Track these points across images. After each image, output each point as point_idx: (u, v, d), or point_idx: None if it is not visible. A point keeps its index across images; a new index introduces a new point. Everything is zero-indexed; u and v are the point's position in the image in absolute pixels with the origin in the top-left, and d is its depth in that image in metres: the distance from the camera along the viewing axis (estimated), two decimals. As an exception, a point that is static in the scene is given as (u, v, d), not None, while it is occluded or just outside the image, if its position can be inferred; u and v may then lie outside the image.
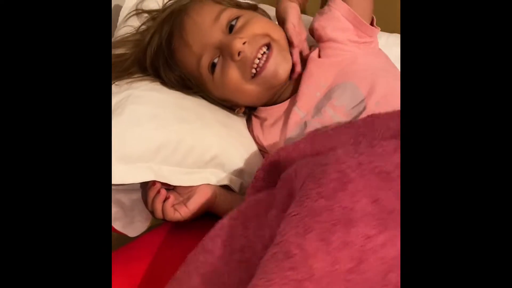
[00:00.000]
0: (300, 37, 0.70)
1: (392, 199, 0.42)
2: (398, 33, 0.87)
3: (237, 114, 0.75)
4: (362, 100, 0.65)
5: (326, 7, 0.72)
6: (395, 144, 0.46)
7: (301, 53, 0.72)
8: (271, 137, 0.72)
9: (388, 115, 0.58)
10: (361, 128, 0.57)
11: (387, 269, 0.40)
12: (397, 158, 0.44)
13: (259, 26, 0.67)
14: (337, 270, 0.39)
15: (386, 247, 0.40)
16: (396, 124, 0.54)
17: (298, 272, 0.40)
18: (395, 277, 0.40)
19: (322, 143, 0.58)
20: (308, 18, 0.81)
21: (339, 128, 0.60)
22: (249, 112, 0.76)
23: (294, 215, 0.43)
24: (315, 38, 0.73)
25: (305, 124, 0.68)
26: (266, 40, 0.66)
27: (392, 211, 0.41)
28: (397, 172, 0.43)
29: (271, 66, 0.66)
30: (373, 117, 0.59)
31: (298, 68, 0.70)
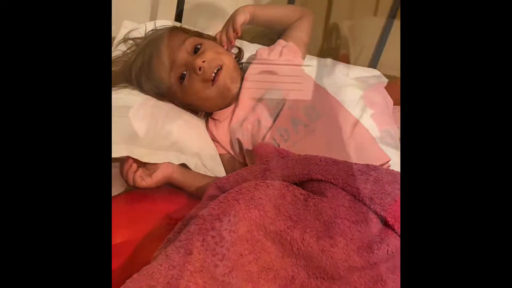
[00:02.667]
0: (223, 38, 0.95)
1: (261, 233, 0.58)
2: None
3: (199, 117, 0.97)
4: (282, 99, 0.89)
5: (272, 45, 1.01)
6: (279, 191, 0.62)
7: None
8: (221, 130, 0.94)
9: (291, 159, 0.70)
10: (270, 164, 0.71)
11: (248, 279, 0.56)
12: (274, 201, 0.60)
13: (215, 52, 0.91)
14: (216, 272, 0.55)
15: (251, 264, 0.56)
16: (291, 167, 0.68)
17: (194, 267, 0.54)
18: (252, 286, 0.55)
19: (244, 174, 0.71)
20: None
21: (258, 165, 0.72)
22: (207, 116, 0.99)
23: (198, 224, 0.57)
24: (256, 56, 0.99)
25: (243, 120, 0.91)
26: (219, 62, 0.90)
27: (259, 240, 0.58)
28: (272, 212, 0.59)
29: (222, 80, 0.89)
30: (284, 158, 0.72)
31: (225, 46, 0.95)
